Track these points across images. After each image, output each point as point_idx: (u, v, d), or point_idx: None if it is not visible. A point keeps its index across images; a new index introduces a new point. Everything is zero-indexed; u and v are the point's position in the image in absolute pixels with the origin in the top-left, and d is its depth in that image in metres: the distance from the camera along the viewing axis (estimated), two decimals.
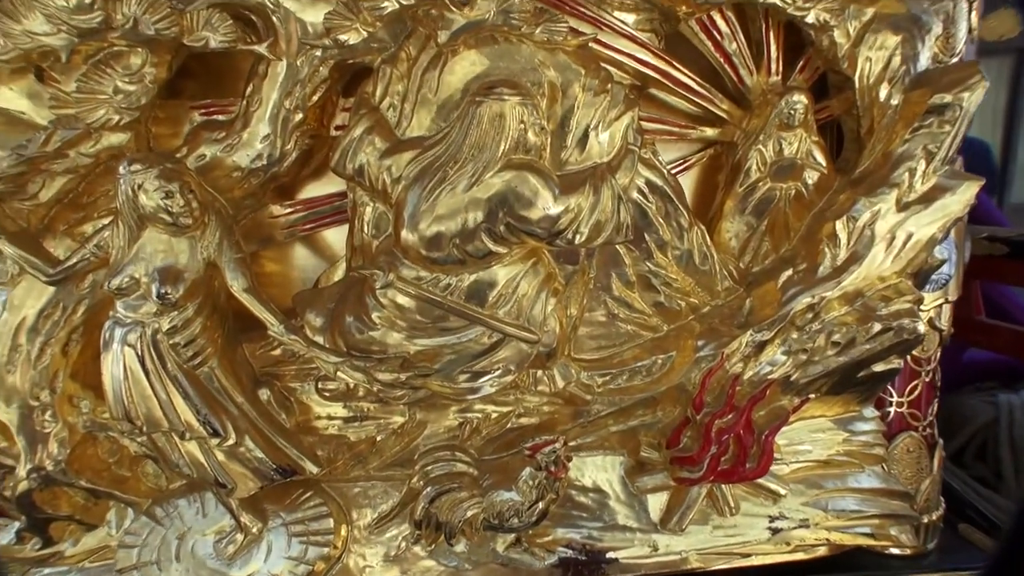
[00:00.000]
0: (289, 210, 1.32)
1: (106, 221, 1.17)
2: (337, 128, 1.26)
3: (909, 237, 1.15)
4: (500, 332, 1.14)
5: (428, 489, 1.23)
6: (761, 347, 1.24)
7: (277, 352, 1.31)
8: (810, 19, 1.12)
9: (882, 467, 1.39)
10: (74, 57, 1.07)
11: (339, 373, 1.16)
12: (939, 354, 1.42)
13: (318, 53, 1.13)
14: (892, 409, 1.42)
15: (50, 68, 1.10)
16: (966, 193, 1.13)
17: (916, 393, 1.41)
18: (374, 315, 1.14)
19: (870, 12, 1.13)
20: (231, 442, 1.15)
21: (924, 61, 1.16)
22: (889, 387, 1.40)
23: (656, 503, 1.34)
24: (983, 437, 2.49)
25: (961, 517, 1.63)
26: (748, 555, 1.35)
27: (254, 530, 1.26)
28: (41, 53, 1.06)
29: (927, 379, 1.41)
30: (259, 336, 1.28)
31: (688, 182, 1.39)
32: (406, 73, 1.13)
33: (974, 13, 1.21)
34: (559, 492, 1.22)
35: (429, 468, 1.25)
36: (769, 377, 1.24)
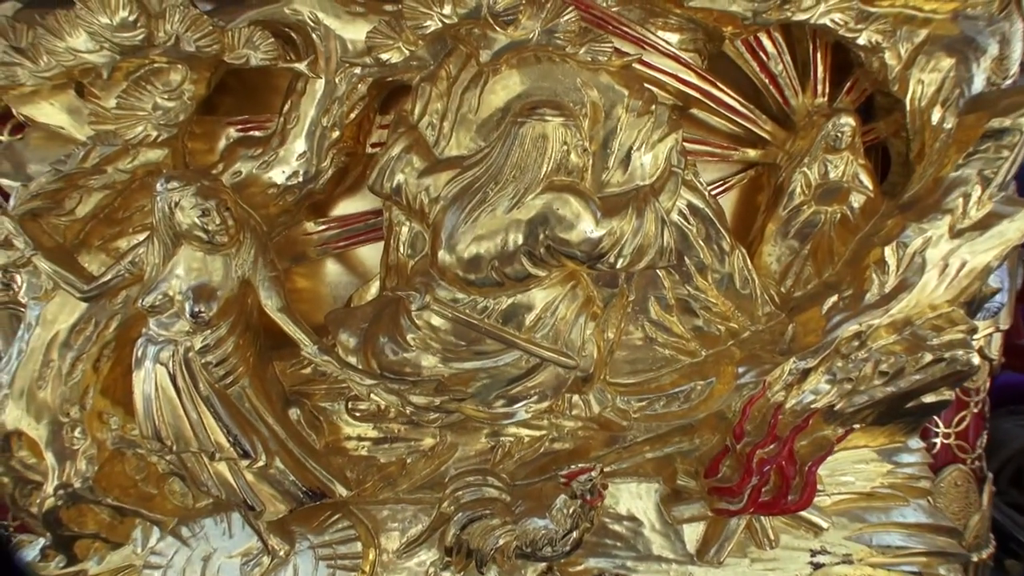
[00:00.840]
0: (323, 227, 1.32)
1: (141, 237, 1.18)
2: (374, 146, 1.26)
3: (963, 265, 1.12)
4: (537, 356, 1.12)
5: (459, 515, 1.21)
6: (805, 375, 1.20)
7: (308, 371, 1.30)
8: (861, 40, 1.10)
9: (928, 501, 1.34)
10: (115, 74, 1.08)
11: (372, 395, 1.14)
12: (989, 384, 1.38)
13: (357, 71, 1.13)
14: (939, 440, 1.38)
15: (91, 84, 1.11)
16: (1018, 220, 1.09)
17: (964, 424, 1.37)
18: (409, 336, 1.12)
19: (923, 33, 1.10)
20: (261, 463, 1.14)
21: (979, 84, 1.13)
22: (935, 417, 1.35)
23: (692, 533, 1.32)
24: (1018, 462, 2.43)
25: (1004, 551, 1.57)
26: None
27: (281, 553, 1.25)
28: (83, 70, 1.07)
29: (976, 410, 1.37)
30: (290, 354, 1.28)
31: (728, 203, 1.37)
32: (446, 92, 1.12)
33: None
34: (594, 521, 1.19)
35: (460, 493, 1.23)
36: (812, 406, 1.21)
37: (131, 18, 1.00)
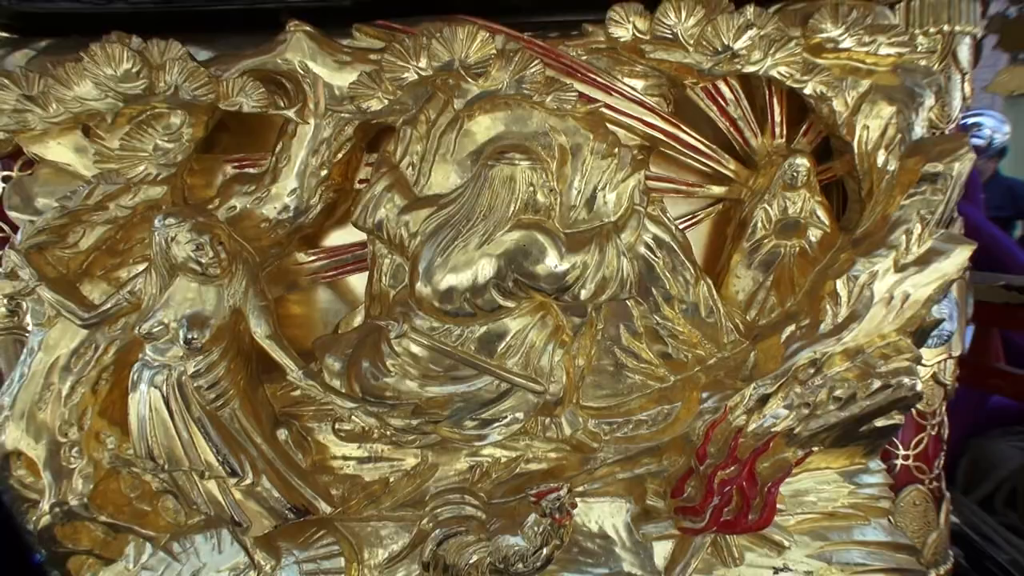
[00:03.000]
0: (313, 258, 1.38)
1: (140, 268, 1.25)
2: (361, 182, 1.33)
3: (907, 297, 1.19)
4: (508, 382, 1.18)
5: (436, 532, 1.27)
6: (764, 400, 1.26)
7: (296, 393, 1.36)
8: (808, 90, 1.18)
9: (888, 520, 1.40)
10: (119, 118, 1.16)
11: (354, 417, 1.21)
12: (944, 408, 1.44)
13: (343, 115, 1.21)
14: (899, 462, 1.43)
15: (96, 127, 1.19)
16: (960, 256, 1.17)
17: (923, 446, 1.43)
18: (388, 362, 1.19)
19: (866, 84, 1.18)
20: (248, 481, 1.21)
21: (919, 130, 1.20)
22: (895, 440, 1.42)
23: (661, 551, 1.37)
24: (1012, 483, 2.48)
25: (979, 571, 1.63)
26: None
27: (267, 568, 1.30)
28: (88, 115, 1.16)
29: (933, 432, 1.43)
30: (280, 377, 1.34)
31: (697, 237, 1.42)
32: (425, 135, 1.20)
33: (967, 84, 1.26)
34: (563, 539, 1.25)
35: (439, 510, 1.29)
36: (772, 430, 1.26)
37: (134, 70, 1.08)
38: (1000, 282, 2.49)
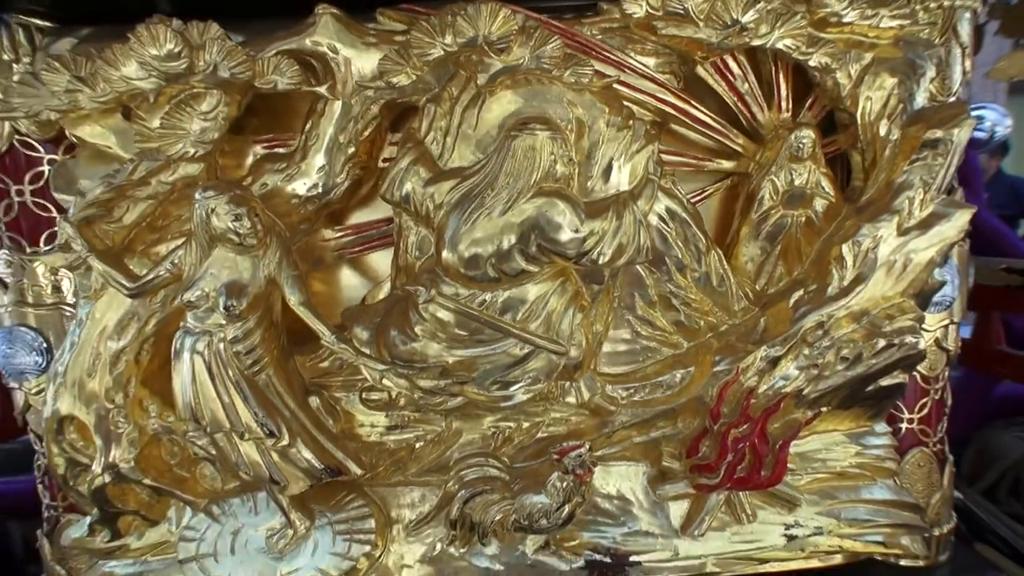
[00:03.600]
0: (340, 234, 1.46)
1: (178, 242, 1.32)
2: (385, 160, 1.40)
3: (909, 260, 1.25)
4: (531, 344, 1.25)
5: (462, 492, 1.33)
6: (775, 362, 1.33)
7: (325, 364, 1.44)
8: (813, 63, 1.24)
9: (894, 480, 1.47)
10: (160, 98, 1.22)
11: (384, 381, 1.28)
12: (947, 373, 1.50)
13: (370, 93, 1.27)
14: (904, 425, 1.49)
15: (137, 108, 1.25)
16: (960, 220, 1.23)
17: (926, 410, 1.49)
18: (416, 328, 1.26)
19: (869, 56, 1.25)
20: (284, 443, 1.27)
21: (920, 100, 1.27)
22: (900, 404, 1.47)
23: (677, 510, 1.44)
24: (1016, 473, 2.52)
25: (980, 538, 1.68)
26: (764, 560, 1.42)
27: (302, 527, 1.37)
28: (132, 95, 1.22)
29: (936, 396, 1.48)
30: (310, 349, 1.41)
31: (707, 210, 1.50)
32: (448, 111, 1.27)
33: (967, 59, 1.32)
34: (585, 496, 1.32)
35: (464, 472, 1.36)
36: (782, 391, 1.33)
37: (176, 49, 1.15)
38: (1001, 265, 2.55)
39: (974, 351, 2.82)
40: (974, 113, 4.38)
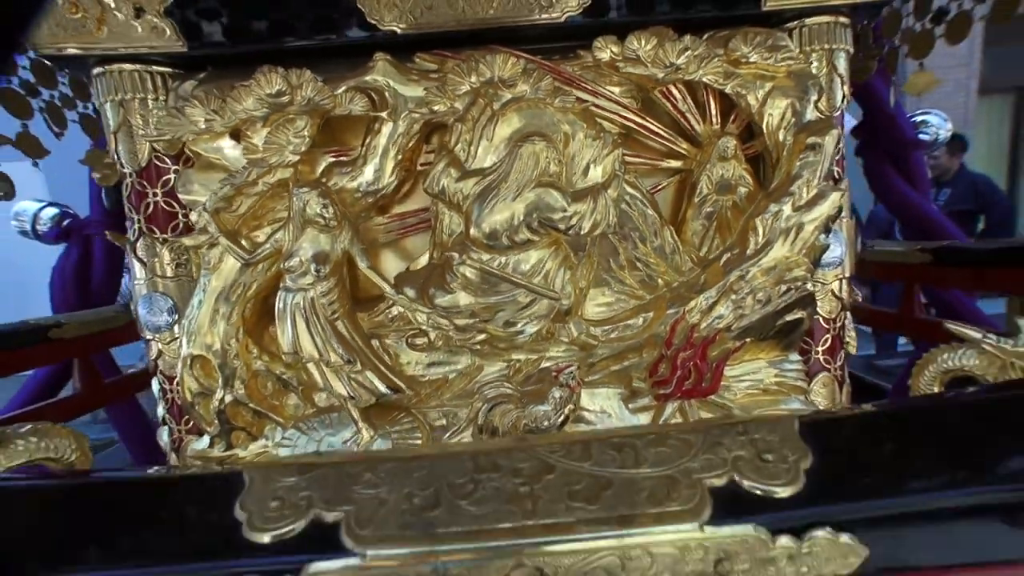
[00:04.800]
0: (388, 220, 1.89)
1: (275, 227, 1.78)
2: (422, 164, 1.84)
3: (801, 228, 1.71)
4: (535, 293, 1.72)
5: (485, 405, 1.81)
6: (711, 306, 1.79)
7: (380, 318, 1.89)
8: (729, 90, 1.72)
9: (805, 396, 1.94)
10: (265, 123, 1.70)
11: (429, 322, 1.76)
12: (845, 316, 1.99)
13: (415, 116, 1.73)
14: (812, 356, 1.96)
15: (247, 130, 1.72)
16: (833, 199, 1.68)
17: (828, 344, 1.95)
18: (452, 284, 1.73)
19: (769, 85, 1.70)
20: (357, 369, 1.74)
21: (809, 115, 1.73)
22: (809, 340, 1.95)
23: (645, 420, 1.90)
24: None
25: None
26: None
27: (367, 435, 1.83)
28: (245, 121, 1.69)
29: (835, 334, 1.96)
30: (368, 307, 1.88)
31: (662, 198, 1.91)
32: (471, 128, 1.70)
33: (844, 85, 1.82)
34: (576, 404, 1.79)
35: (486, 391, 1.84)
36: (717, 326, 1.78)
37: (282, 88, 1.61)
38: (917, 246, 3.07)
39: (896, 318, 3.35)
40: (920, 118, 4.97)
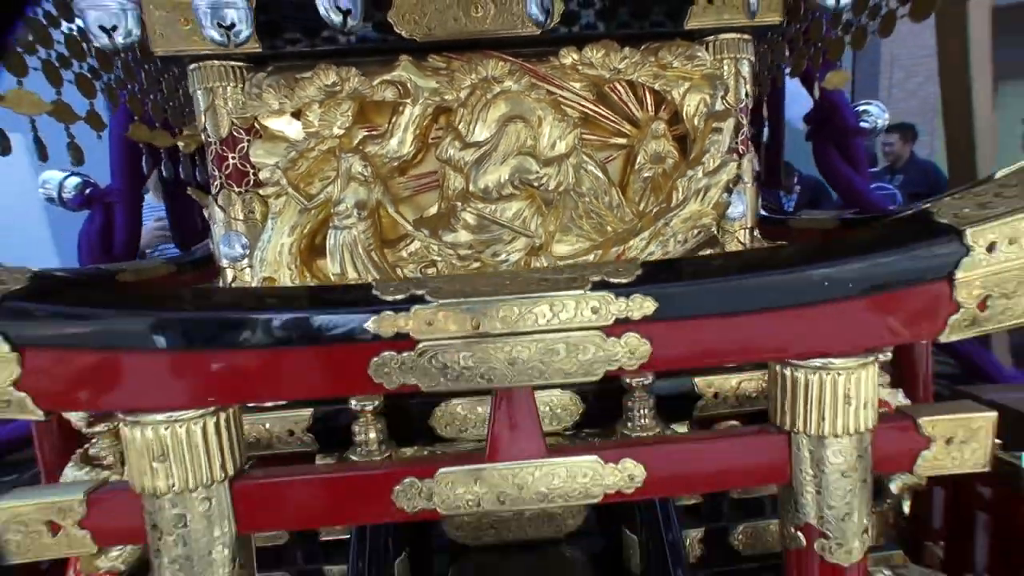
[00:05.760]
0: (407, 179, 2.50)
1: (320, 183, 2.42)
2: (433, 138, 2.48)
3: (709, 189, 2.38)
4: (516, 233, 2.36)
5: None
6: (645, 246, 2.44)
7: (401, 253, 2.52)
8: (658, 87, 2.35)
9: None
10: (321, 105, 2.32)
11: (439, 252, 2.39)
12: None
13: (429, 102, 2.36)
14: None
15: (305, 109, 2.34)
16: (731, 168, 2.34)
17: None
18: (456, 225, 2.36)
19: (687, 84, 2.36)
20: None
21: (717, 106, 2.40)
22: None
23: None
24: None
25: None
26: None
27: None
28: (306, 103, 2.32)
29: None
30: (392, 245, 2.49)
31: (612, 167, 2.53)
32: (470, 112, 2.34)
33: (747, 84, 2.47)
34: None
35: None
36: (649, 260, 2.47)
37: (335, 80, 2.24)
38: (834, 214, 3.74)
39: None
40: (860, 109, 5.73)
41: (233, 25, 1.59)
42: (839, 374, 1.25)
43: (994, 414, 1.36)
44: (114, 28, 1.69)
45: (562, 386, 2.26)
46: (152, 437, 1.20)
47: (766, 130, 4.32)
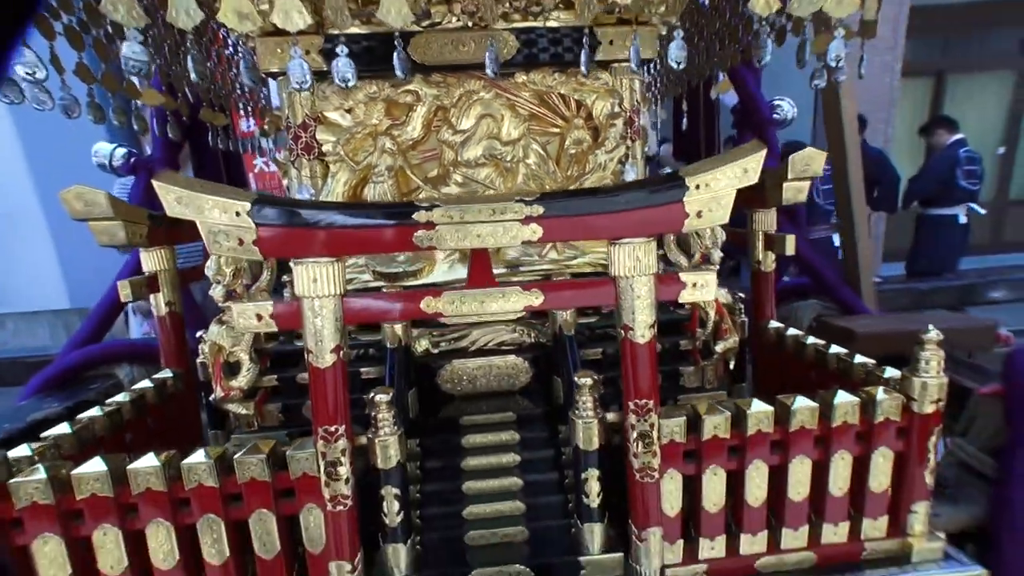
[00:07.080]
0: (417, 152, 3.82)
1: (363, 155, 3.76)
2: (435, 126, 3.82)
3: (610, 162, 3.76)
4: (487, 188, 3.73)
5: None
6: None
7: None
8: (577, 97, 3.62)
9: None
10: (364, 104, 3.66)
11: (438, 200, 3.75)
12: None
13: (433, 103, 3.70)
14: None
15: (355, 107, 3.68)
16: (621, 149, 3.74)
17: None
18: (449, 182, 3.74)
19: (595, 94, 3.67)
20: None
21: (615, 110, 3.77)
22: None
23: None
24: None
25: None
26: None
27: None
28: (355, 103, 3.65)
29: None
30: (407, 195, 3.87)
31: (551, 147, 3.74)
32: (459, 110, 3.62)
33: (637, 93, 3.84)
34: None
35: None
36: None
37: (376, 90, 3.58)
38: None
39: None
40: (775, 103, 7.42)
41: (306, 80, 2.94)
42: (636, 247, 2.64)
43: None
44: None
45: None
46: (310, 270, 2.55)
47: (684, 119, 5.61)
